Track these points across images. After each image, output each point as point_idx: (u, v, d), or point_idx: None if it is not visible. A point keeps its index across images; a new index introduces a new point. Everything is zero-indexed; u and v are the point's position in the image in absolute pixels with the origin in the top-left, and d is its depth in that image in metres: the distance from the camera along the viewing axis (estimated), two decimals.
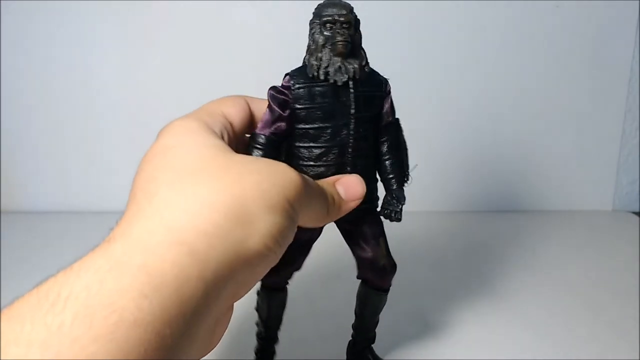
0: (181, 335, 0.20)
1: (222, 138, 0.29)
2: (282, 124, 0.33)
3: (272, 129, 0.33)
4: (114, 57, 0.73)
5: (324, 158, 0.33)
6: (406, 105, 0.36)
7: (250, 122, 0.34)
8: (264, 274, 0.27)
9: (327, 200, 0.31)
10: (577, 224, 0.74)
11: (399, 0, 0.70)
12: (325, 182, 0.32)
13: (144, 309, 0.19)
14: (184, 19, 0.71)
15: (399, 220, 0.36)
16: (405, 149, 0.37)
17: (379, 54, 0.33)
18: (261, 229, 0.24)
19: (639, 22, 0.74)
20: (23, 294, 0.20)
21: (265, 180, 0.25)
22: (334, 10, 0.32)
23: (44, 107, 0.74)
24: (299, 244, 0.35)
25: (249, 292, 0.35)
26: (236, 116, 0.32)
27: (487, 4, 0.71)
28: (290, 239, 0.27)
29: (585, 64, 0.75)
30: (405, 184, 0.36)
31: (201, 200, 0.23)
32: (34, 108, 0.74)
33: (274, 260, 0.26)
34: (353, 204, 0.33)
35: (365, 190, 0.33)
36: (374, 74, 0.34)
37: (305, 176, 0.29)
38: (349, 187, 0.33)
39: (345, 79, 0.32)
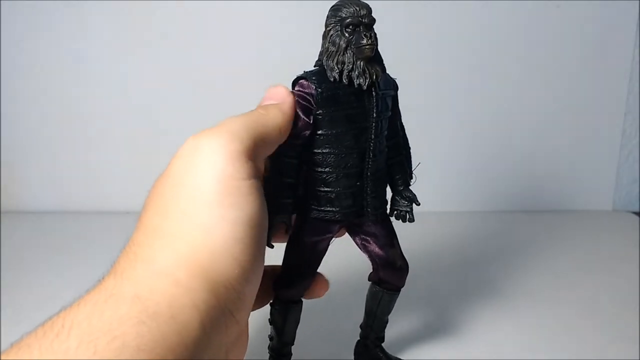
0: None
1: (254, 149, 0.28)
2: (307, 132, 0.31)
3: (300, 137, 0.31)
4: (114, 57, 0.72)
5: (344, 164, 0.32)
6: (405, 106, 0.36)
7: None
8: (253, 297, 0.27)
9: (275, 129, 0.29)
10: (577, 224, 0.74)
11: (402, 0, 0.70)
12: (255, 117, 0.29)
13: (144, 335, 0.20)
14: (186, 18, 0.71)
15: (412, 220, 0.35)
16: (409, 148, 0.36)
17: (384, 54, 0.33)
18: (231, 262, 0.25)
19: (639, 22, 0.74)
20: (23, 294, 0.20)
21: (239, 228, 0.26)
22: (355, 10, 0.30)
23: (43, 107, 0.74)
24: (317, 253, 0.35)
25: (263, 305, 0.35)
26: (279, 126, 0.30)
27: (487, 4, 0.71)
28: (259, 278, 0.27)
29: (585, 64, 0.75)
30: (410, 183, 0.36)
31: (183, 244, 0.24)
32: (34, 108, 0.74)
33: (254, 290, 0.27)
34: (289, 100, 0.31)
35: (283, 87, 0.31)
36: (384, 73, 0.33)
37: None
38: (272, 94, 0.31)
39: (370, 82, 0.31)
